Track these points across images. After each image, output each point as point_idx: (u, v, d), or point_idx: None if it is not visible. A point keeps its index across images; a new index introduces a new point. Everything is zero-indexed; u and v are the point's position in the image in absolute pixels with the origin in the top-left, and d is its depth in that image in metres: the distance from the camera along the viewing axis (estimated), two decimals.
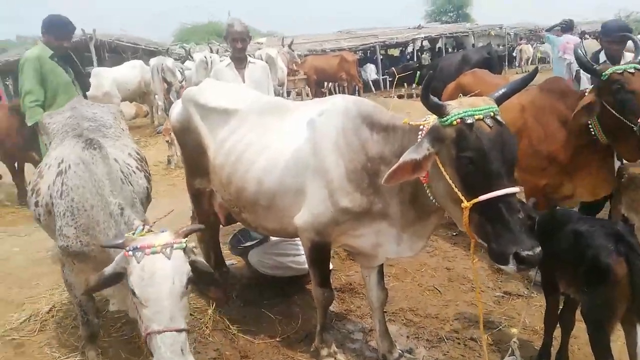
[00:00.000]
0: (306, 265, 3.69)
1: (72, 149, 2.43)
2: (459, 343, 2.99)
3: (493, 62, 9.44)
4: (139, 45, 16.14)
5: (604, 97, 2.96)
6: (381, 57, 21.02)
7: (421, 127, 2.14)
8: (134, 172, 2.65)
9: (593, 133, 3.08)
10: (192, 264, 2.04)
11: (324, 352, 2.84)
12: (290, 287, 3.72)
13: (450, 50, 22.69)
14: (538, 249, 1.83)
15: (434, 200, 2.14)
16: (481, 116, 1.87)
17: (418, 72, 10.63)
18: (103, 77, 8.97)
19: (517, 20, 29.54)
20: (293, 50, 13.04)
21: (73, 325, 3.32)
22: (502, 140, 1.88)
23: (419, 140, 2.09)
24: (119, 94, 9.94)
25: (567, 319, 2.56)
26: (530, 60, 22.84)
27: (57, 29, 4.20)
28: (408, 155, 1.98)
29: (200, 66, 9.11)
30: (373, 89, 18.76)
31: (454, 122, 1.89)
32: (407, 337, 3.11)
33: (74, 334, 3.21)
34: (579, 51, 3.14)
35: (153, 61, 8.84)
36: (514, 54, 24.12)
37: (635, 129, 2.81)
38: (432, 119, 2.08)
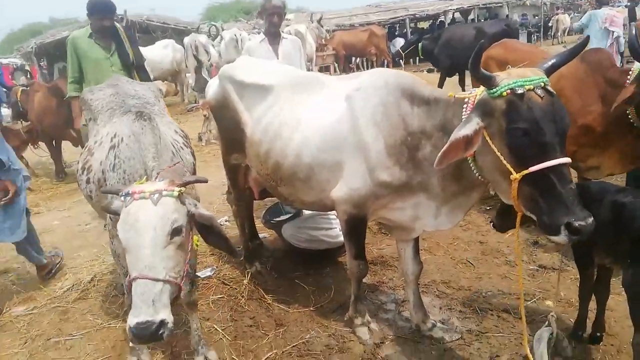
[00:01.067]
0: (338, 239, 3.76)
1: (123, 123, 2.47)
2: (492, 314, 2.99)
3: (513, 35, 8.89)
4: (169, 24, 16.25)
5: None
6: (411, 30, 20.54)
7: (466, 100, 2.11)
8: (182, 147, 2.68)
9: (630, 117, 3.01)
10: (192, 216, 1.98)
11: (358, 321, 2.89)
12: (323, 260, 3.78)
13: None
14: (591, 219, 1.82)
15: (477, 174, 2.12)
16: (532, 86, 1.84)
17: (420, 44, 10.17)
18: None
19: None
20: (322, 26, 12.89)
21: (114, 294, 3.48)
22: (554, 111, 1.84)
23: (463, 113, 2.07)
24: (152, 72, 10.10)
25: (602, 291, 2.53)
26: (567, 31, 21.93)
27: (97, 9, 4.44)
28: (459, 132, 1.95)
29: (230, 44, 9.16)
30: (402, 63, 18.41)
31: (504, 94, 1.86)
32: (440, 308, 3.12)
33: (115, 302, 3.37)
34: (634, 34, 3.02)
35: (187, 39, 8.90)
36: (550, 25, 23.22)
37: None
38: (478, 92, 2.05)
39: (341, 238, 3.74)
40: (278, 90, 2.94)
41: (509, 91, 1.86)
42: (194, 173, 2.86)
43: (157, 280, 1.77)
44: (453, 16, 23.30)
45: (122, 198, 1.90)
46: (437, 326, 2.87)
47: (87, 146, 2.81)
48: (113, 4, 4.55)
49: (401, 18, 20.70)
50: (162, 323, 1.73)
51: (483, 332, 2.84)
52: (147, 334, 1.71)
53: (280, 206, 4.18)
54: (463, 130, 1.95)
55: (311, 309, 3.20)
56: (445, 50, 9.41)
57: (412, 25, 21.98)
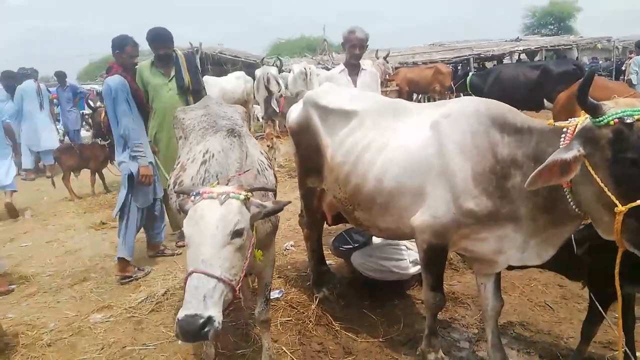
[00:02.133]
0: (408, 271, 3.69)
1: (216, 140, 2.59)
2: None
3: (581, 76, 8.77)
4: (239, 57, 17.02)
5: None
6: (475, 70, 20.35)
7: (564, 129, 2.05)
8: (266, 169, 2.76)
9: None
10: (268, 213, 2.12)
11: (431, 356, 2.79)
12: (391, 291, 3.70)
13: None
14: None
15: (574, 207, 2.04)
16: None
17: (467, 79, 10.30)
18: (210, 85, 9.58)
19: (627, 33, 27.44)
20: (388, 62, 13.03)
21: None
22: None
23: (562, 142, 2.02)
24: (225, 101, 10.56)
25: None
26: None
27: (153, 39, 4.83)
28: (557, 155, 1.90)
29: (299, 77, 9.42)
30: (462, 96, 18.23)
31: (611, 122, 1.80)
32: (518, 351, 2.97)
33: None
34: None
35: (259, 71, 9.31)
36: (623, 68, 22.35)
37: None
38: (579, 120, 1.99)
39: (411, 270, 3.68)
40: (363, 115, 2.97)
41: (616, 120, 1.80)
42: (275, 195, 2.93)
43: (212, 276, 1.80)
44: (519, 57, 22.93)
45: (192, 197, 2.00)
46: None
47: (179, 162, 2.95)
48: (168, 34, 4.89)
49: (465, 57, 20.60)
50: (210, 320, 1.73)
51: None
52: (194, 328, 1.70)
53: (347, 234, 4.17)
54: (562, 155, 1.90)
55: (380, 340, 3.13)
56: (497, 86, 9.34)
57: (476, 65, 21.77)
